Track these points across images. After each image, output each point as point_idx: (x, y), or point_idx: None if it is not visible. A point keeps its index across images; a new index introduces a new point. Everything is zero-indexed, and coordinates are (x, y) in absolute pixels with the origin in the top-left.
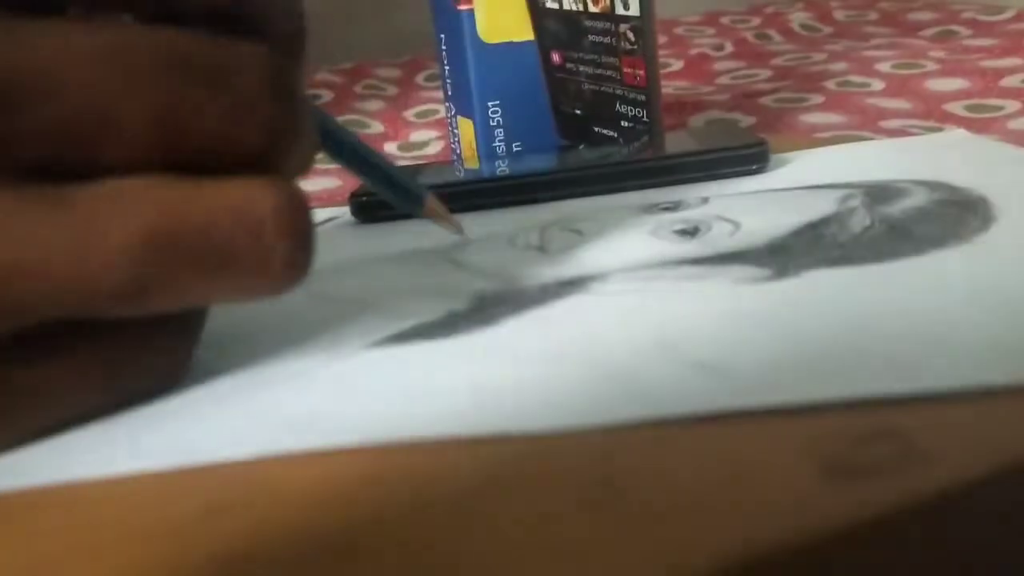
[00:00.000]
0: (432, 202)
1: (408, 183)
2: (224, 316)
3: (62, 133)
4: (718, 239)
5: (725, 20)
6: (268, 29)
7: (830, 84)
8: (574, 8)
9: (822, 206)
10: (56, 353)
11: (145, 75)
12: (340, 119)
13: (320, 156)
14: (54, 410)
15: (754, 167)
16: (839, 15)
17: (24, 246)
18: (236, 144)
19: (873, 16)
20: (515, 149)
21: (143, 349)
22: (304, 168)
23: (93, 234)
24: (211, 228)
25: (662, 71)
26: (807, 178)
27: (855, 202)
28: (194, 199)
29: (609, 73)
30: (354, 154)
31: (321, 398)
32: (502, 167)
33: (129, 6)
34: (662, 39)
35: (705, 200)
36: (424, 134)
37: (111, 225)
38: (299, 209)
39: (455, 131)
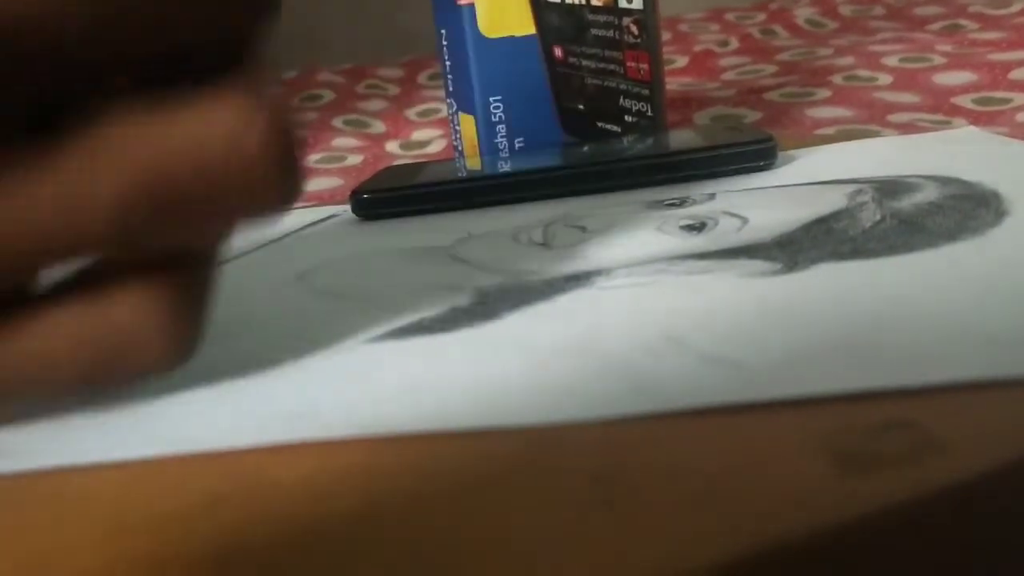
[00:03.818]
0: None
1: None
2: (226, 309)
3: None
4: (725, 234)
5: (730, 16)
6: None
7: (837, 79)
8: (576, 2)
9: (832, 201)
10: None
11: None
12: (342, 119)
13: (322, 156)
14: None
15: (762, 163)
16: (845, 10)
17: (14, 205)
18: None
19: (879, 11)
20: (517, 145)
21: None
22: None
23: (81, 187)
24: (201, 168)
25: (666, 67)
26: (815, 174)
27: (865, 197)
28: (175, 135)
29: (612, 67)
30: None
31: (322, 391)
32: (504, 164)
33: None
34: (666, 36)
35: (712, 196)
36: (426, 132)
37: (99, 178)
38: (286, 132)
39: (456, 127)
